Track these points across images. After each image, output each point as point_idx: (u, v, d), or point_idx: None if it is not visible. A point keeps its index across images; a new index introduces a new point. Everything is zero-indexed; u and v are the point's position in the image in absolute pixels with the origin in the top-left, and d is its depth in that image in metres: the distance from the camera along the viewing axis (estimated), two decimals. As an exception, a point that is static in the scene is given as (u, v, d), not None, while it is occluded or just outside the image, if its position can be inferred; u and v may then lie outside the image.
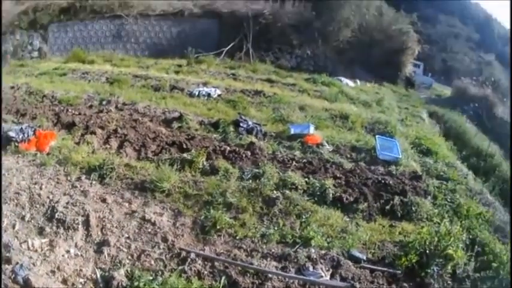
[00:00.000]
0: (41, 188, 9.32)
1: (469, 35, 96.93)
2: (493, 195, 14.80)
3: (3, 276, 6.58)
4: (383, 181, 12.52)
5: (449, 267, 8.75)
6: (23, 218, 8.32)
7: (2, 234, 7.59)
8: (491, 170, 20.47)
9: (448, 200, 12.47)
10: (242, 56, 35.29)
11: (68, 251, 7.73)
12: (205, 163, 11.98)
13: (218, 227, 9.19)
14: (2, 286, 6.49)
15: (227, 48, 35.03)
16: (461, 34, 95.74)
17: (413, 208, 11.40)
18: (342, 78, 33.72)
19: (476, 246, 9.54)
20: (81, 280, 7.21)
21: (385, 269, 8.77)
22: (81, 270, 7.41)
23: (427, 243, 8.94)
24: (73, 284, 7.09)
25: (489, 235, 10.66)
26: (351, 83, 33.66)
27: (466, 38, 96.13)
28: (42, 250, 7.55)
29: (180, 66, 29.39)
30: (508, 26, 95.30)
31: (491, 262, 9.17)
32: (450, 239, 8.92)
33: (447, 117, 31.12)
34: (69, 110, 14.99)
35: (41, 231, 8.04)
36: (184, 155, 12.13)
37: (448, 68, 78.92)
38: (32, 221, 8.25)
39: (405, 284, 8.33)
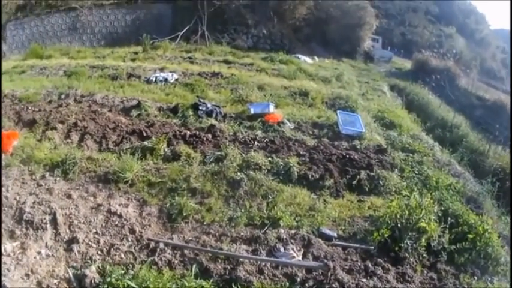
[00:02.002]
0: (7, 190, 9.07)
1: (428, 9, 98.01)
2: (462, 166, 14.90)
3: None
4: (348, 156, 12.53)
5: (423, 240, 8.76)
6: (-8, 223, 8.10)
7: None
8: (458, 140, 20.72)
9: (416, 172, 12.51)
10: (198, 39, 35.34)
11: (39, 252, 7.57)
12: (166, 149, 11.87)
13: (185, 214, 9.09)
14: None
15: (182, 32, 35.10)
16: (420, 7, 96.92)
17: (380, 182, 11.41)
18: (300, 56, 34.04)
19: (449, 218, 9.58)
20: (55, 281, 7.07)
21: (358, 245, 8.77)
22: (53, 270, 7.26)
23: (398, 216, 8.95)
24: (47, 286, 6.96)
25: (462, 206, 10.68)
26: (308, 59, 33.93)
27: (425, 11, 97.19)
28: (14, 254, 7.38)
29: (136, 53, 29.18)
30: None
31: (467, 233, 9.19)
32: (422, 212, 8.95)
33: (409, 90, 31.50)
34: (29, 108, 14.62)
35: (11, 235, 7.83)
36: (145, 142, 12.00)
37: (408, 42, 79.99)
38: (2, 225, 8.01)
39: (379, 260, 8.30)
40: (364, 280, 7.61)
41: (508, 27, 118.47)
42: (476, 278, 8.33)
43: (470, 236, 9.07)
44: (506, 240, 9.79)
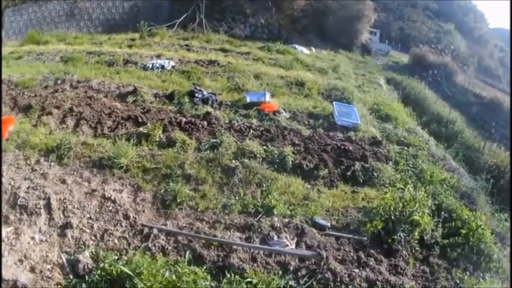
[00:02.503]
0: (2, 176, 9.02)
1: (427, 4, 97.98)
2: (457, 162, 14.97)
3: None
4: (343, 147, 12.55)
5: (416, 234, 8.80)
6: (-13, 208, 8.08)
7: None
8: (453, 136, 20.72)
9: (410, 165, 12.57)
10: (195, 27, 35.19)
11: (33, 238, 7.56)
12: (161, 136, 11.86)
13: (179, 200, 9.10)
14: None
15: (180, 20, 34.91)
16: (419, 3, 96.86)
17: (375, 173, 11.46)
18: (297, 46, 34.01)
19: (442, 213, 9.63)
20: (48, 266, 7.06)
21: (351, 235, 8.81)
22: (47, 256, 7.25)
23: (392, 209, 9.00)
24: (41, 271, 6.94)
25: (455, 201, 10.73)
26: (306, 50, 33.91)
27: (424, 7, 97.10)
28: (8, 239, 7.37)
29: (133, 40, 29.03)
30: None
31: (460, 229, 9.23)
32: (415, 205, 9.01)
33: (405, 84, 31.47)
34: (25, 93, 14.58)
35: (6, 220, 7.81)
36: (141, 128, 11.98)
37: (406, 36, 79.96)
38: (-3, 210, 8.01)
39: (372, 251, 8.37)
40: (356, 270, 7.66)
41: (507, 27, 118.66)
42: (468, 273, 8.37)
43: (463, 231, 9.12)
44: (499, 237, 9.84)
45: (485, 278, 8.35)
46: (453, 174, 12.84)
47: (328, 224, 9.03)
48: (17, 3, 34.13)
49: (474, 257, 8.79)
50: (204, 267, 7.20)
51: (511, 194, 12.81)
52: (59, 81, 16.25)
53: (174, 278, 6.71)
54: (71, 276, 6.88)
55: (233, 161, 10.70)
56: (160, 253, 7.58)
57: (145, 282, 6.52)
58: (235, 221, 8.72)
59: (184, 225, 8.46)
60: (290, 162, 11.18)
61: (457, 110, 29.39)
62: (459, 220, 9.56)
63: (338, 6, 43.05)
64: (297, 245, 8.23)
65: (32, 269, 6.93)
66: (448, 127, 22.88)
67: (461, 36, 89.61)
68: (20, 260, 7.00)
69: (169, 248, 7.73)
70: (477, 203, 11.35)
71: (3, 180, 8.87)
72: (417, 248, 8.71)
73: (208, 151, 11.18)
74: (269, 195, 9.58)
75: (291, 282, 7.17)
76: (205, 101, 15.15)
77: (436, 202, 10.15)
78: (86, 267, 6.98)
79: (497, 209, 11.80)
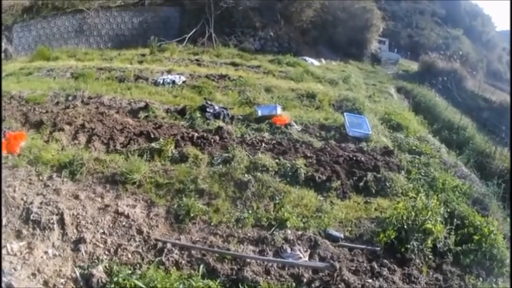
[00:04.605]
0: (14, 191, 9.11)
1: (434, 11, 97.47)
2: (468, 168, 14.85)
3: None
4: (355, 158, 12.54)
5: (429, 242, 8.79)
6: (-1, 222, 8.14)
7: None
8: (465, 142, 20.54)
9: (422, 173, 12.54)
10: (205, 41, 35.07)
11: (46, 252, 7.63)
12: (174, 151, 11.92)
13: (192, 215, 9.14)
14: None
15: (190, 35, 34.82)
16: (427, 10, 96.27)
17: (387, 183, 11.44)
18: (307, 58, 33.88)
19: (455, 220, 9.58)
20: (62, 280, 7.12)
21: (364, 246, 8.82)
22: (60, 270, 7.31)
23: (405, 218, 8.99)
24: (54, 285, 7.01)
25: (468, 208, 10.68)
26: (316, 62, 33.80)
27: (431, 13, 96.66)
28: (21, 254, 7.44)
29: (143, 55, 29.07)
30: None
31: (472, 235, 9.22)
32: (428, 213, 8.99)
33: (416, 92, 31.30)
34: (37, 109, 14.69)
35: (18, 235, 7.90)
36: (153, 144, 12.04)
37: (415, 44, 79.36)
38: (9, 225, 8.09)
39: (386, 261, 8.36)
40: (370, 281, 7.68)
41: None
42: (481, 279, 8.38)
43: (475, 237, 9.11)
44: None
45: (498, 283, 8.38)
46: (465, 180, 12.78)
47: (341, 235, 9.04)
48: (25, 19, 34.26)
49: (487, 263, 8.79)
50: (218, 280, 7.26)
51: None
52: (70, 98, 16.35)
53: (188, 291, 6.74)
54: (85, 290, 6.91)
55: (246, 175, 10.73)
56: (174, 267, 7.63)
57: (159, 296, 6.57)
58: (249, 234, 8.78)
59: (197, 239, 8.50)
60: (302, 174, 11.21)
61: (467, 115, 29.14)
62: (471, 226, 9.55)
63: (347, 16, 42.99)
64: (311, 257, 8.26)
65: (45, 283, 7.01)
66: (459, 133, 22.70)
67: (469, 41, 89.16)
68: (33, 274, 7.07)
69: (183, 262, 7.78)
70: (489, 208, 11.30)
71: (15, 195, 8.94)
72: (430, 256, 8.71)
73: (220, 165, 11.24)
74: (282, 208, 9.62)
75: (305, 294, 7.18)
76: (216, 116, 15.20)
77: (449, 209, 10.11)
78: (99, 281, 7.04)
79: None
